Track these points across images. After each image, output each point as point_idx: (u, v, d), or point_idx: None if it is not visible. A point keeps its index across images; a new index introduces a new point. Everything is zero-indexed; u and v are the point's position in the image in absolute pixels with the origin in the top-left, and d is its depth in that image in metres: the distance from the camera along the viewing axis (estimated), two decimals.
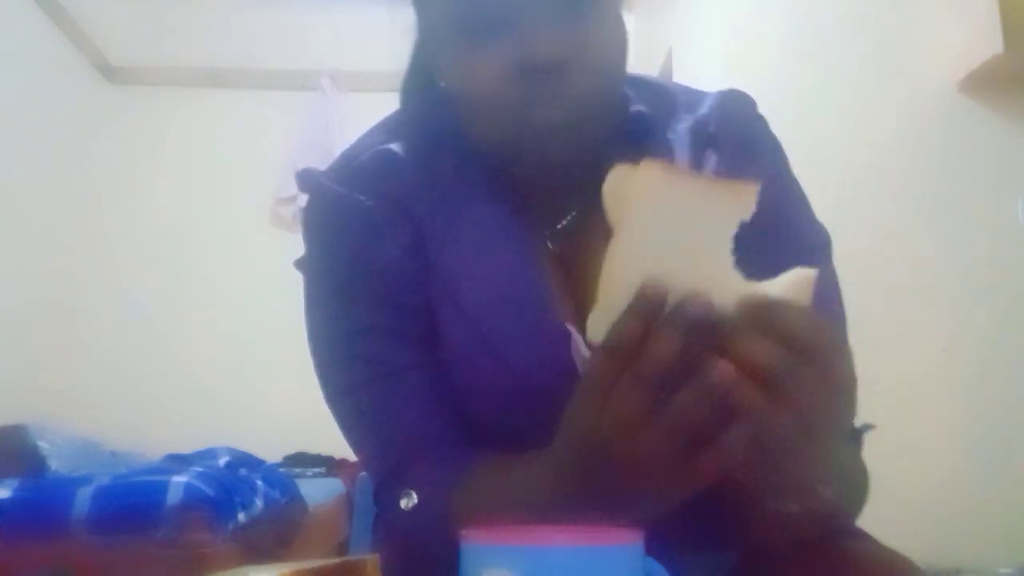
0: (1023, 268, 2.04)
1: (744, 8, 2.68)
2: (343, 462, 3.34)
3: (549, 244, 0.78)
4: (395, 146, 0.77)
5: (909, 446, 1.72)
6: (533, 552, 0.42)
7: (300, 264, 0.80)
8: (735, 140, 0.77)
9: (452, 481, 0.70)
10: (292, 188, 3.80)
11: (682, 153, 0.76)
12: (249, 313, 3.63)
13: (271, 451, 3.34)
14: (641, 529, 0.46)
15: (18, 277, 3.06)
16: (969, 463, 1.95)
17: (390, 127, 0.81)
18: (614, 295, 0.50)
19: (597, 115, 0.69)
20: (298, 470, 3.20)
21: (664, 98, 0.80)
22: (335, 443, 3.20)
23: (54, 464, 2.47)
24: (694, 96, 0.80)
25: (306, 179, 0.79)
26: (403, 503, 0.71)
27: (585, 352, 0.73)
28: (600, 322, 0.51)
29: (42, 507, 1.95)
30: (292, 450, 3.44)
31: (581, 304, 0.76)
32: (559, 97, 0.66)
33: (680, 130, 0.77)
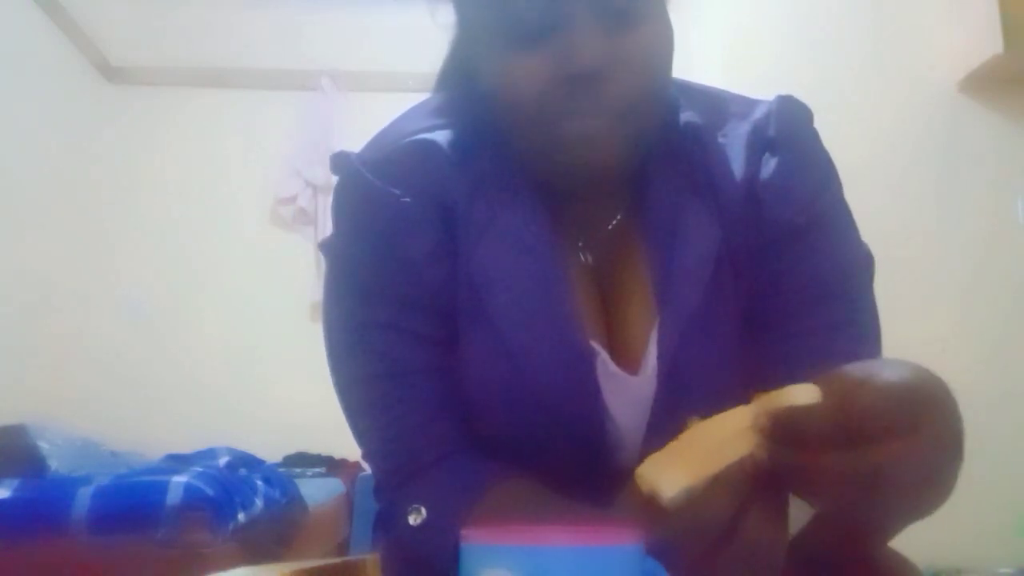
0: (1023, 268, 2.04)
1: (744, 8, 2.68)
2: (343, 462, 3.33)
3: (582, 256, 0.77)
4: (438, 136, 0.74)
5: None
6: (533, 552, 0.42)
7: (325, 246, 0.77)
8: (794, 146, 0.74)
9: (465, 499, 0.69)
10: (292, 188, 3.81)
11: (736, 158, 0.74)
12: (249, 313, 3.61)
13: (271, 451, 3.33)
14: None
15: (18, 277, 3.06)
16: (969, 463, 1.94)
17: (432, 111, 0.78)
18: (705, 461, 0.50)
19: (638, 125, 0.67)
20: (298, 470, 3.19)
21: (716, 105, 0.77)
22: (335, 443, 3.16)
23: (54, 464, 2.47)
24: (746, 103, 0.78)
25: (339, 162, 0.75)
26: (411, 519, 0.70)
27: (614, 369, 0.73)
28: (672, 473, 0.50)
29: (42, 507, 1.95)
30: (292, 450, 3.43)
31: (611, 321, 0.75)
32: (598, 107, 0.65)
33: (734, 136, 0.75)
